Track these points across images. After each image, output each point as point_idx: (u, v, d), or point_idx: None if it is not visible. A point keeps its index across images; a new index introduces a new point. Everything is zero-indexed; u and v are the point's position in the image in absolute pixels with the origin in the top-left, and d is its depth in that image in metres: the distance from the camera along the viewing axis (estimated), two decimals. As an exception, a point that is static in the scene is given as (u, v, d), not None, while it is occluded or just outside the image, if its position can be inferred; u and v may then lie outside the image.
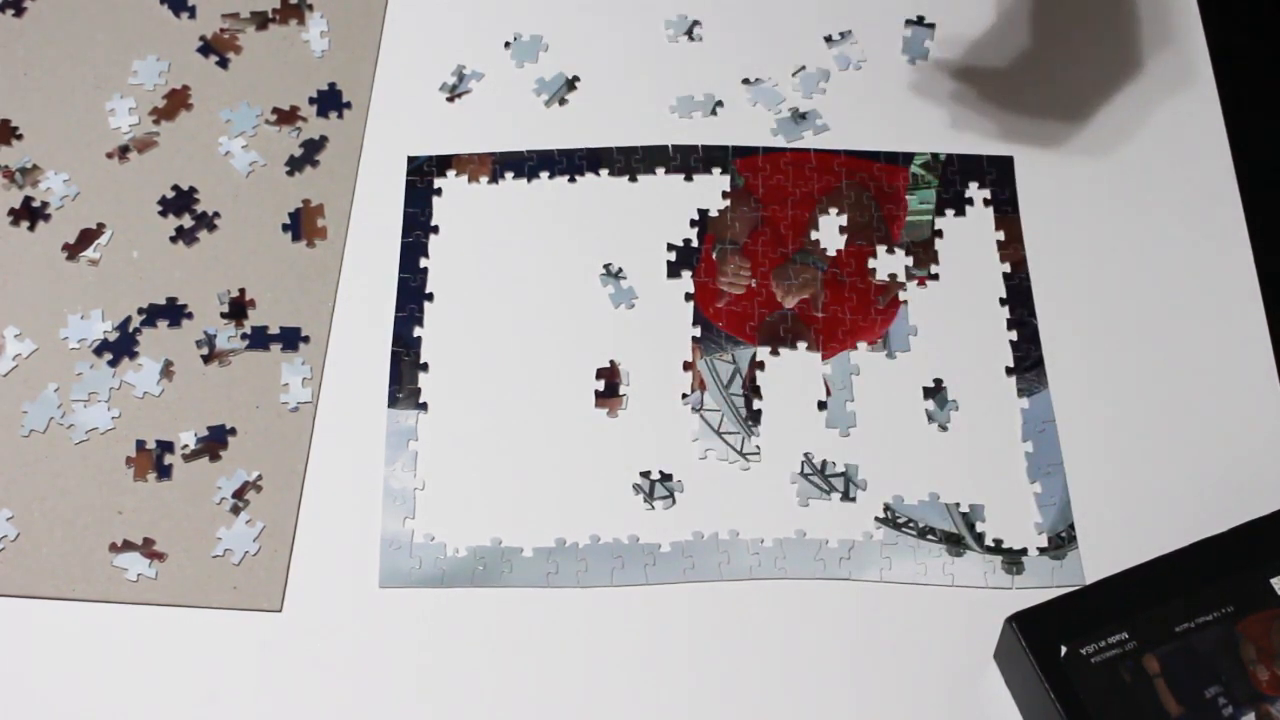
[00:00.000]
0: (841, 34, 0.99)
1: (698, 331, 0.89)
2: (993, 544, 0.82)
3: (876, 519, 0.83)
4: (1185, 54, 0.98)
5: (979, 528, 0.83)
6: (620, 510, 0.83)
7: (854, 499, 0.84)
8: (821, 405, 0.87)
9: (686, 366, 0.88)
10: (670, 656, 0.79)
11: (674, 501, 0.83)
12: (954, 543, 0.82)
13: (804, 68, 0.98)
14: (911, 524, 0.83)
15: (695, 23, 1.00)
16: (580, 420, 0.86)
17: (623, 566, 0.82)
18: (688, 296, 0.90)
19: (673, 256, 0.92)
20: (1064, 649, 0.73)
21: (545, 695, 0.78)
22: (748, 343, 0.89)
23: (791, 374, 0.88)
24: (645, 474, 0.84)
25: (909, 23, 1.00)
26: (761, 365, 0.88)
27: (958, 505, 0.83)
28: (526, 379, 0.87)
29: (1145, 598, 0.74)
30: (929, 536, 0.82)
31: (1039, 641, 0.73)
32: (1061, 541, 0.82)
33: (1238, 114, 0.94)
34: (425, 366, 0.88)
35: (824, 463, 0.84)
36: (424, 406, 0.87)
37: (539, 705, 0.78)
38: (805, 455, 0.85)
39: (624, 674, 0.79)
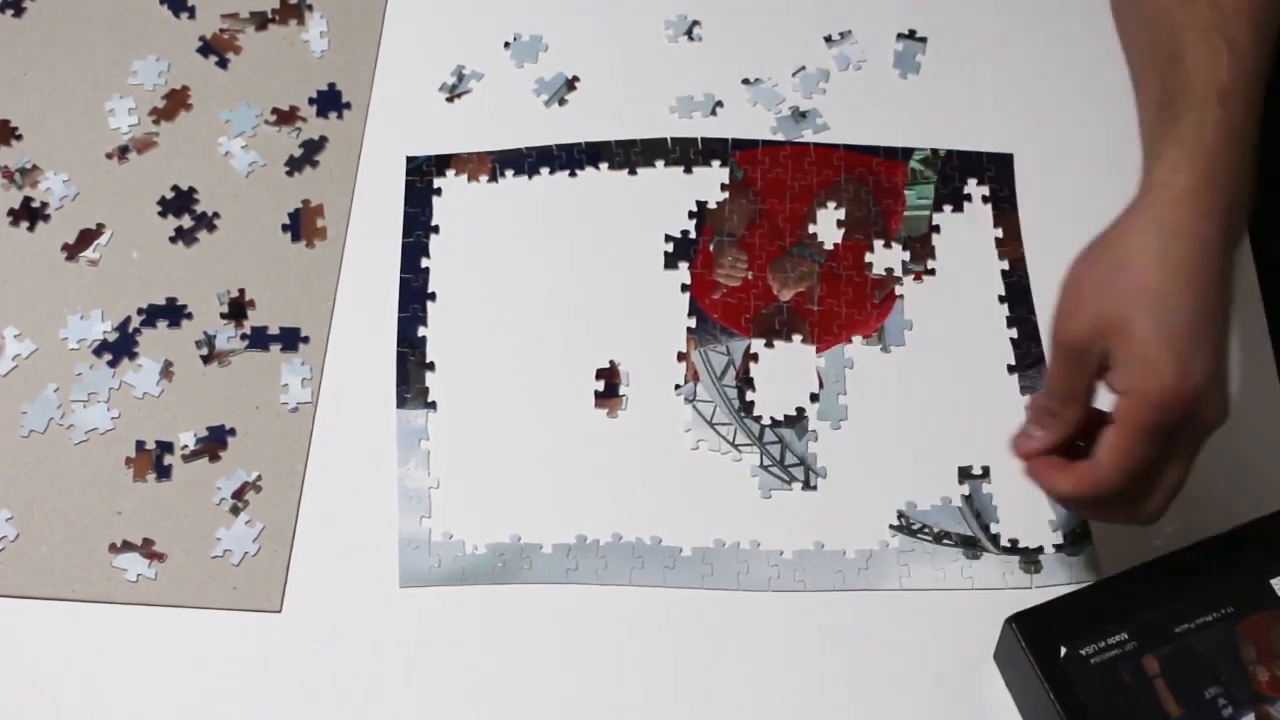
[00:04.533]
0: (841, 34, 0.99)
1: (693, 322, 0.89)
2: (1009, 544, 0.82)
3: (891, 526, 0.83)
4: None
5: (994, 529, 0.83)
6: (637, 510, 0.83)
7: (815, 487, 0.84)
8: (814, 398, 0.87)
9: (680, 357, 0.88)
10: (685, 660, 0.80)
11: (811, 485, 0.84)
12: (970, 545, 0.82)
13: (804, 68, 0.98)
14: (927, 529, 0.83)
15: (695, 23, 1.00)
16: (586, 417, 0.86)
17: (642, 567, 0.82)
18: (684, 288, 0.90)
19: (670, 248, 0.92)
20: (1064, 649, 0.73)
21: (559, 692, 0.78)
22: (742, 335, 0.89)
23: (785, 366, 0.88)
24: (779, 460, 0.84)
25: (900, 37, 0.99)
26: (755, 357, 0.88)
27: (970, 502, 0.83)
28: (534, 376, 0.88)
29: (1145, 598, 0.74)
30: (945, 541, 0.82)
31: (1038, 642, 0.73)
32: (1077, 538, 0.82)
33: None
34: (431, 366, 0.88)
35: (783, 452, 0.84)
36: (433, 406, 0.87)
37: (554, 701, 0.78)
38: (764, 447, 0.85)
39: (640, 673, 0.79)
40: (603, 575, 0.81)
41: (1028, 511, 0.83)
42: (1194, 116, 0.72)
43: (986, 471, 0.84)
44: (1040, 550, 0.82)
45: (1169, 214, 0.70)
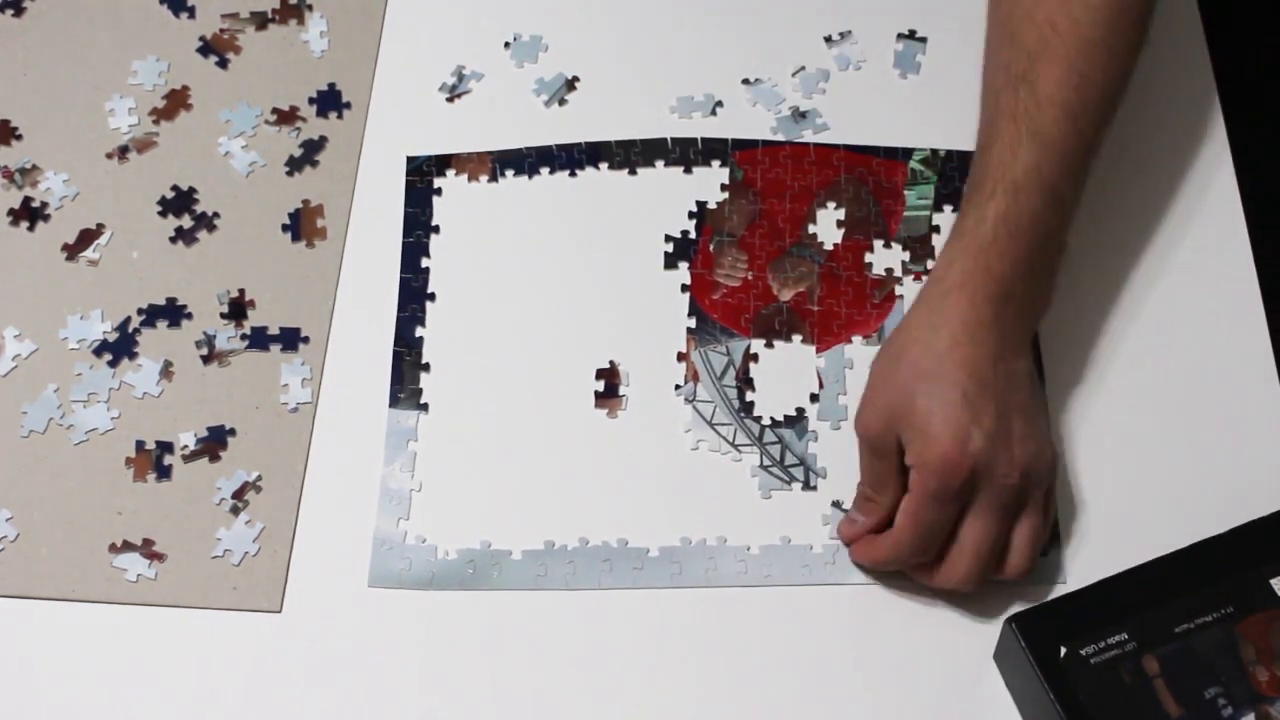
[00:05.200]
0: (841, 34, 0.99)
1: (693, 323, 0.89)
2: None
3: None
4: (1185, 53, 0.98)
5: None
6: (612, 513, 0.83)
7: (815, 488, 0.84)
8: (814, 398, 0.87)
9: (680, 358, 0.88)
10: (661, 660, 0.79)
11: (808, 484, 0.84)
12: None
13: (804, 68, 0.98)
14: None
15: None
16: (580, 421, 0.86)
17: (611, 570, 0.82)
18: (684, 288, 0.90)
19: (670, 248, 0.92)
20: (1063, 650, 0.73)
21: (534, 697, 0.79)
22: (742, 335, 0.89)
23: (785, 366, 0.88)
24: (779, 460, 0.84)
25: (900, 37, 0.99)
26: (755, 358, 0.88)
27: None
28: (526, 379, 0.88)
29: (1145, 598, 0.74)
30: None
31: (1038, 642, 0.73)
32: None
33: (1238, 115, 0.93)
34: (427, 367, 0.88)
35: (784, 453, 0.84)
36: (425, 407, 0.87)
37: (527, 707, 0.78)
38: (764, 448, 0.85)
39: (614, 677, 0.79)
40: (571, 580, 0.81)
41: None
42: (977, 211, 0.79)
43: None
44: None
45: (939, 304, 0.78)
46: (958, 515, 0.76)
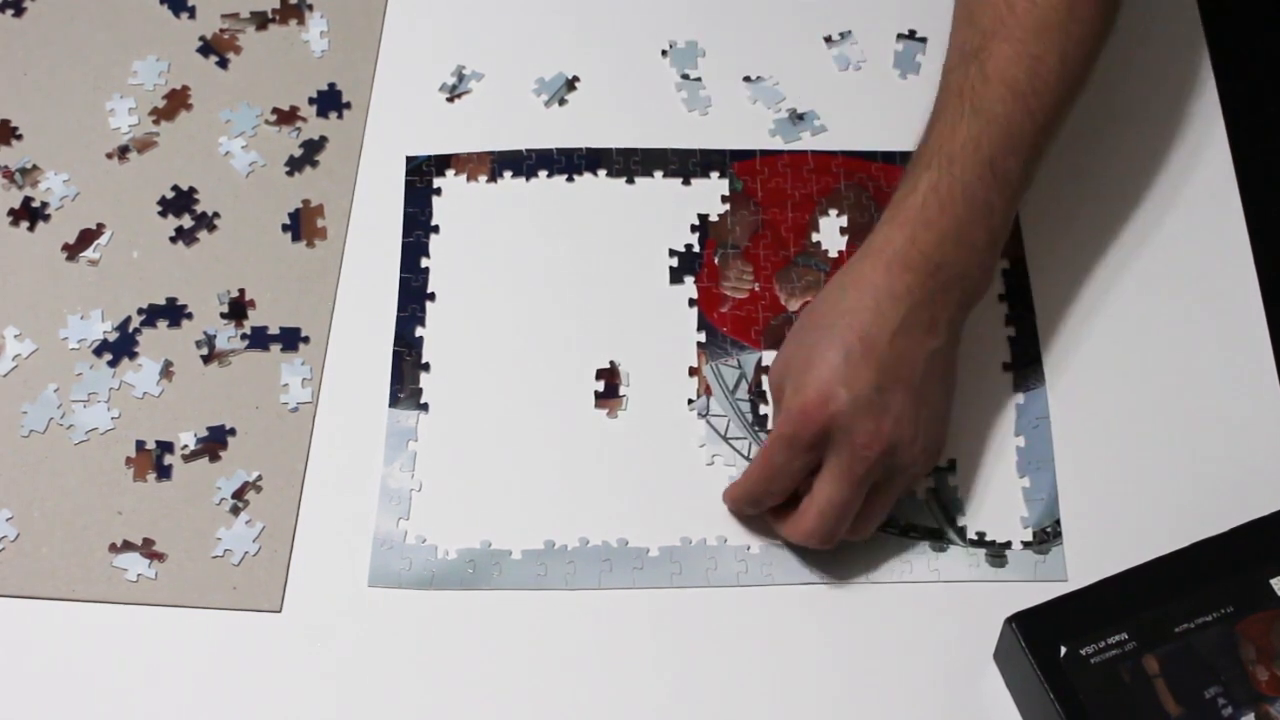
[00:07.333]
0: (841, 34, 0.99)
1: (702, 337, 0.89)
2: (975, 538, 0.82)
3: None
4: (1185, 54, 0.98)
5: (960, 522, 0.83)
6: (613, 513, 0.83)
7: None
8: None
9: (692, 372, 0.88)
10: (661, 660, 0.80)
11: None
12: (936, 538, 0.82)
13: (804, 68, 0.98)
14: (893, 522, 0.82)
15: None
16: (580, 421, 0.86)
17: (611, 570, 0.82)
18: (691, 302, 0.90)
19: (675, 262, 0.91)
20: (1063, 649, 0.73)
21: (534, 697, 0.79)
22: (753, 347, 0.89)
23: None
24: None
25: (900, 37, 0.99)
26: (767, 370, 0.88)
27: (936, 495, 0.83)
28: (525, 379, 0.88)
29: (1145, 598, 0.74)
30: (911, 533, 0.82)
31: (1038, 642, 0.73)
32: (1046, 537, 0.82)
33: (1238, 114, 0.94)
34: (427, 366, 0.88)
35: None
36: (425, 407, 0.87)
37: (527, 707, 0.78)
38: None
39: (614, 677, 0.79)
40: (571, 580, 0.81)
41: (996, 506, 0.83)
42: (909, 183, 0.78)
43: (953, 464, 0.84)
44: (1008, 545, 0.82)
45: (855, 266, 0.78)
46: (812, 468, 0.77)
